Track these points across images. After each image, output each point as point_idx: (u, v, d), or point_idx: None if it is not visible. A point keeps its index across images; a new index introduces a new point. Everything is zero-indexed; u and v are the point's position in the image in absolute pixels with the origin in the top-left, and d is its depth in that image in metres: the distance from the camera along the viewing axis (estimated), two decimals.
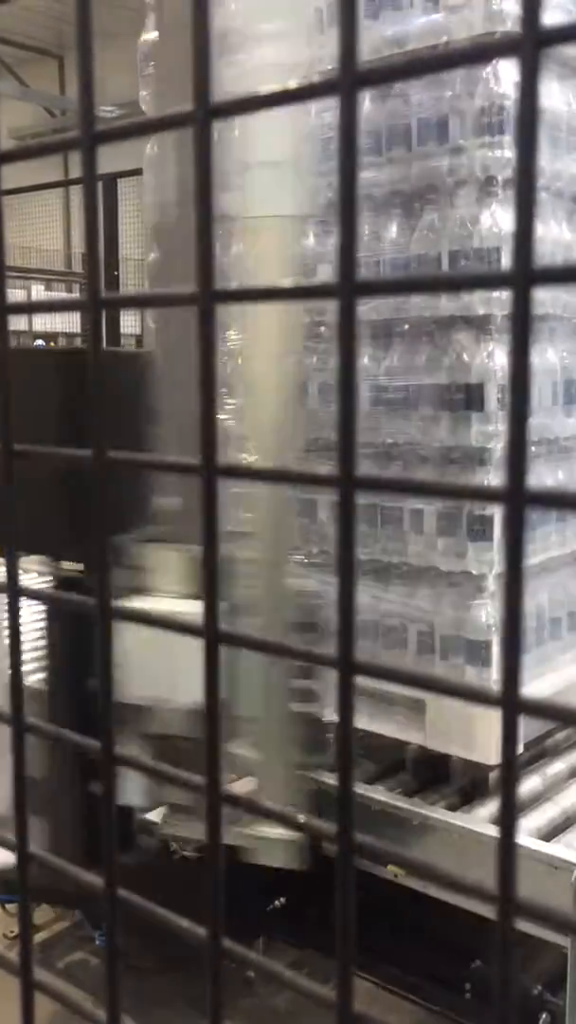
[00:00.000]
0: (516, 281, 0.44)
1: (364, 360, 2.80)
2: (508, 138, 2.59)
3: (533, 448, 2.78)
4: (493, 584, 2.73)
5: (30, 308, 0.85)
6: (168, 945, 2.13)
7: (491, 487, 0.53)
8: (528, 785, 2.84)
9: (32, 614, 3.09)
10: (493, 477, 2.70)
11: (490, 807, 2.78)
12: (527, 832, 2.59)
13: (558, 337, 2.88)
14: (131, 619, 0.66)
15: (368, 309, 2.78)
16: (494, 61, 2.57)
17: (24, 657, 0.71)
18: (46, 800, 2.50)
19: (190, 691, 2.31)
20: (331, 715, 2.62)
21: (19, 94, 15.13)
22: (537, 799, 2.83)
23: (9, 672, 0.71)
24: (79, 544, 2.55)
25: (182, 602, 2.43)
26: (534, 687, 2.73)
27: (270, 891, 2.84)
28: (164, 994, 2.68)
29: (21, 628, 0.70)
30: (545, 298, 2.72)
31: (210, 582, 0.57)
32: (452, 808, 2.79)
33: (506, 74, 2.57)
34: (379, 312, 2.80)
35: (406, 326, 2.79)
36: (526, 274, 0.44)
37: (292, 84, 0.52)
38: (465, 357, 2.68)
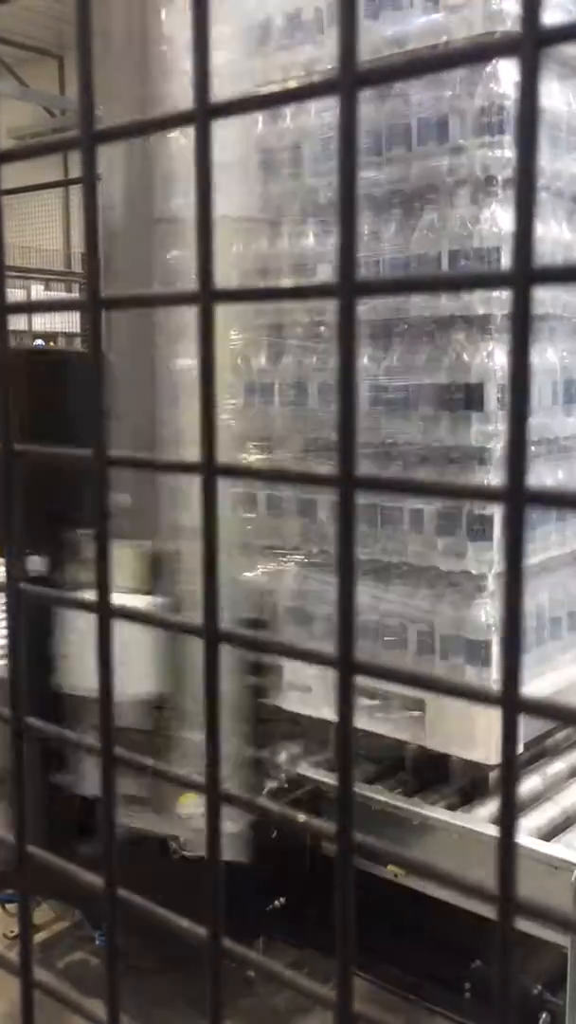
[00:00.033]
0: (516, 280, 0.44)
1: (364, 360, 2.80)
2: (508, 138, 2.59)
3: (533, 448, 2.78)
4: (493, 584, 2.74)
5: (30, 308, 0.85)
6: (168, 945, 2.14)
7: (491, 486, 0.53)
8: (528, 785, 2.84)
9: None
10: (493, 477, 2.70)
11: (490, 807, 2.78)
12: (527, 832, 2.59)
13: (558, 337, 2.88)
14: (130, 618, 0.66)
15: (368, 309, 2.78)
16: (494, 61, 2.57)
17: None
18: (9, 788, 2.53)
19: (137, 684, 2.37)
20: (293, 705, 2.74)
21: (19, 94, 15.12)
22: (537, 799, 2.83)
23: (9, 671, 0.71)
24: (38, 539, 2.62)
25: (131, 597, 2.48)
26: (534, 686, 2.73)
27: (270, 891, 2.84)
28: (164, 994, 2.68)
29: None
30: (545, 298, 2.72)
31: (209, 581, 0.57)
32: (452, 808, 2.79)
33: (506, 74, 2.57)
34: (379, 312, 2.80)
35: (406, 326, 2.79)
36: (526, 273, 0.44)
37: (292, 84, 0.52)
38: (465, 357, 2.68)
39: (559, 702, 0.47)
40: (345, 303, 0.49)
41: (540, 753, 3.05)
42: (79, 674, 2.47)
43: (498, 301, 2.62)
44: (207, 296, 0.54)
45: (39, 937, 3.29)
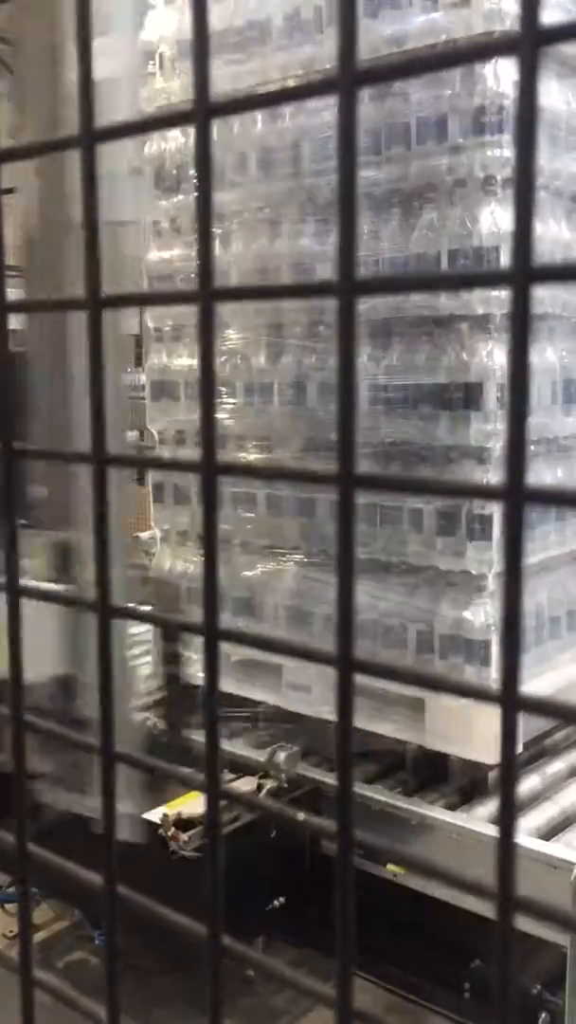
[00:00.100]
0: (515, 279, 0.44)
1: (363, 359, 2.80)
2: (507, 137, 2.59)
3: (532, 447, 2.78)
4: (492, 583, 2.74)
5: (30, 308, 0.85)
6: (168, 945, 2.14)
7: (490, 485, 0.53)
8: (527, 784, 2.84)
9: None
10: (492, 476, 2.70)
11: (489, 806, 2.78)
12: (526, 831, 2.59)
13: (557, 336, 2.88)
14: (129, 617, 0.67)
15: (367, 308, 2.78)
16: (493, 60, 2.57)
17: None
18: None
19: (36, 667, 2.42)
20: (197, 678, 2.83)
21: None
22: (536, 798, 2.83)
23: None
24: None
25: (44, 585, 2.53)
26: (533, 686, 2.73)
27: (270, 891, 2.84)
28: (164, 994, 2.68)
29: None
30: (544, 297, 2.72)
31: (209, 581, 0.57)
32: (451, 807, 2.79)
33: (505, 73, 2.57)
34: (378, 311, 2.80)
35: (405, 325, 2.79)
36: (525, 272, 0.44)
37: (291, 83, 0.52)
38: (464, 356, 2.68)
39: (558, 700, 0.47)
40: (345, 302, 0.49)
41: (539, 753, 3.06)
42: None
43: (497, 300, 2.62)
44: (207, 295, 0.54)
45: (39, 937, 3.29)
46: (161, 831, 2.64)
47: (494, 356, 2.64)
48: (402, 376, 2.78)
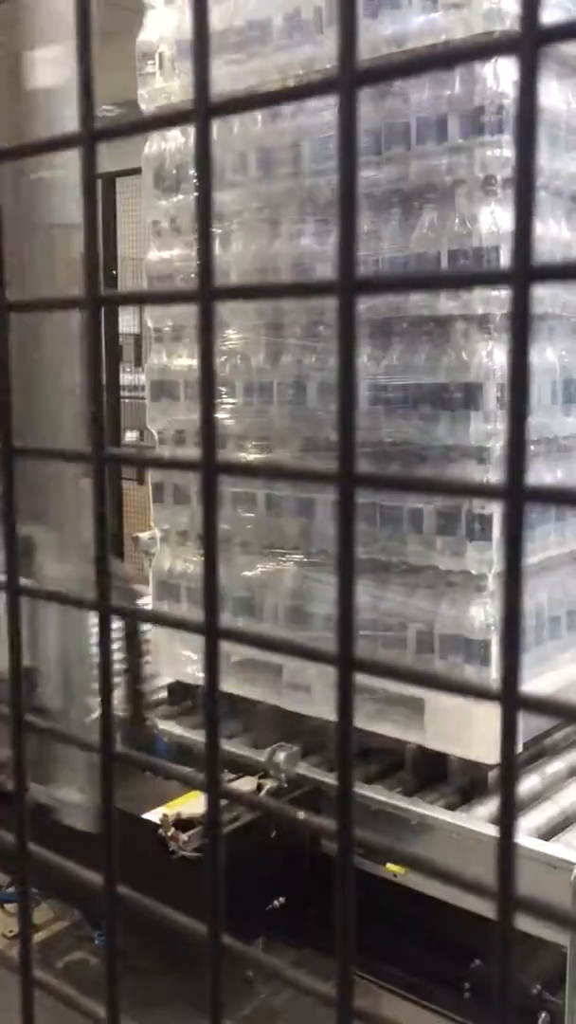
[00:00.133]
0: (515, 279, 0.44)
1: (363, 359, 2.80)
2: (507, 137, 2.59)
3: (532, 447, 2.78)
4: (492, 583, 2.74)
5: (30, 307, 0.85)
6: (168, 945, 2.14)
7: (490, 484, 0.53)
8: (527, 784, 2.84)
9: None
10: (492, 476, 2.70)
11: (489, 806, 2.78)
12: (526, 831, 2.59)
13: (557, 336, 2.88)
14: (130, 616, 0.67)
15: (367, 308, 2.78)
16: (493, 60, 2.57)
17: None
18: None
19: None
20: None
21: None
22: (536, 798, 2.83)
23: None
24: None
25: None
26: (533, 686, 2.73)
27: (270, 891, 2.84)
28: (164, 994, 2.68)
29: None
30: (544, 297, 2.73)
31: (209, 581, 0.57)
32: (451, 807, 2.79)
33: (505, 73, 2.57)
34: (378, 311, 2.80)
35: (405, 325, 2.79)
36: (525, 272, 0.44)
37: (291, 83, 0.52)
38: (464, 356, 2.68)
39: (558, 698, 0.47)
40: (345, 301, 0.49)
41: (539, 753, 3.05)
42: None
43: (497, 300, 2.62)
44: (207, 294, 0.54)
45: (39, 937, 3.28)
46: (161, 831, 2.64)
47: (494, 356, 2.64)
48: (402, 376, 2.78)
